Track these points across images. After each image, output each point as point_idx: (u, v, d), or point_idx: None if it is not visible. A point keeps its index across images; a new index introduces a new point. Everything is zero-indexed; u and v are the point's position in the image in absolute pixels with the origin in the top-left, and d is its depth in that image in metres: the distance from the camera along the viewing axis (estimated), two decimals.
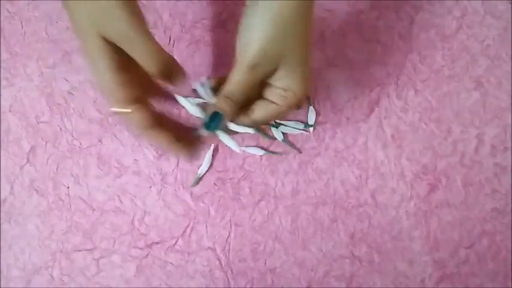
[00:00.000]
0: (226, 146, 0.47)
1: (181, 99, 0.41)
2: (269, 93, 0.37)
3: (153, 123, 0.36)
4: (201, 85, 0.39)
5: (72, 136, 0.47)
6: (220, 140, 0.42)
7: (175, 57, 0.48)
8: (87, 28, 0.32)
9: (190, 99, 0.42)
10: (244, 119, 0.38)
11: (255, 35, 0.33)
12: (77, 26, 0.33)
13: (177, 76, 0.37)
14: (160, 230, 0.47)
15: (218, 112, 0.36)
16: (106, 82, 0.34)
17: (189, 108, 0.41)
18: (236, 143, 0.41)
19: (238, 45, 0.34)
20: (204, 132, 0.37)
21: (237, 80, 0.35)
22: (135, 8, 0.33)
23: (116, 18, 0.31)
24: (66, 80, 0.48)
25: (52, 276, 0.46)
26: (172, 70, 0.36)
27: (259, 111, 0.37)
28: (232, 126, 0.39)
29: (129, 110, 0.35)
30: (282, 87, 0.35)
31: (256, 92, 0.37)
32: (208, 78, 0.40)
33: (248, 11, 0.34)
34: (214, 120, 0.36)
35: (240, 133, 0.40)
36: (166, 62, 0.34)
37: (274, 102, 0.36)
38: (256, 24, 0.33)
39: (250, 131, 0.39)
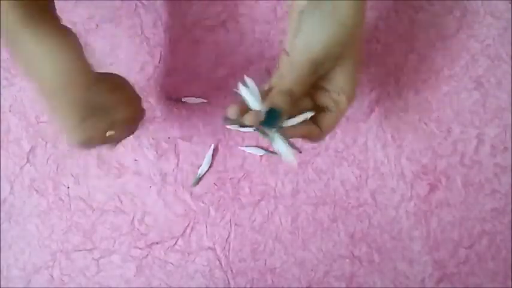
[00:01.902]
0: (229, 146, 0.47)
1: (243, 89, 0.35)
2: (323, 97, 0.37)
3: None
4: (247, 86, 0.34)
5: None
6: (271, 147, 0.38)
7: (175, 57, 0.48)
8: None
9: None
10: (313, 131, 0.37)
11: (319, 35, 0.33)
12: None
13: None
14: (160, 230, 0.47)
15: (275, 109, 0.33)
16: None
17: (249, 99, 0.34)
18: (293, 152, 0.35)
19: (297, 44, 0.34)
20: (262, 130, 0.35)
21: (296, 77, 0.34)
22: None
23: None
24: None
25: (52, 276, 0.46)
26: None
27: (323, 120, 0.36)
28: (290, 121, 0.35)
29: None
30: (335, 90, 0.36)
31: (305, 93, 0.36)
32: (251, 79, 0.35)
33: (307, 14, 0.34)
34: (271, 118, 0.33)
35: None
36: None
37: (329, 109, 0.36)
38: (321, 25, 0.33)
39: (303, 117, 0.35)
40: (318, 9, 0.34)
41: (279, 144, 0.35)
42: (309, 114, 0.35)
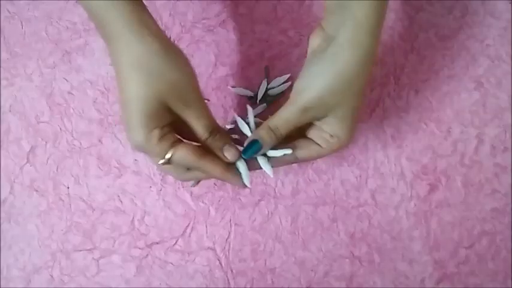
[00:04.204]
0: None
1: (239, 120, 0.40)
2: (314, 135, 0.37)
3: (199, 155, 0.35)
4: (245, 117, 0.39)
5: (72, 136, 0.47)
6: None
7: None
8: (146, 95, 0.33)
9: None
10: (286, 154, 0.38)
11: (315, 82, 0.34)
12: (131, 93, 0.33)
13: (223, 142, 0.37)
14: (160, 230, 0.47)
15: (257, 141, 0.36)
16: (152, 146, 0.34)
17: (243, 127, 0.40)
18: (272, 168, 0.38)
19: (296, 87, 0.35)
20: (239, 158, 0.37)
21: (286, 117, 0.36)
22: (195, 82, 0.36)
23: (186, 92, 0.35)
24: (66, 80, 0.48)
25: (52, 276, 0.46)
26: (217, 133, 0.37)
27: (304, 150, 0.38)
28: (270, 152, 0.38)
29: (170, 155, 0.35)
30: (329, 133, 0.36)
31: (298, 129, 0.37)
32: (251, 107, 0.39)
33: (313, 58, 0.35)
34: (252, 148, 0.36)
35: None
36: (213, 127, 0.36)
37: (318, 144, 0.37)
38: (319, 72, 0.34)
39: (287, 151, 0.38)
40: (321, 57, 0.34)
41: (261, 162, 0.38)
42: (288, 151, 0.37)
